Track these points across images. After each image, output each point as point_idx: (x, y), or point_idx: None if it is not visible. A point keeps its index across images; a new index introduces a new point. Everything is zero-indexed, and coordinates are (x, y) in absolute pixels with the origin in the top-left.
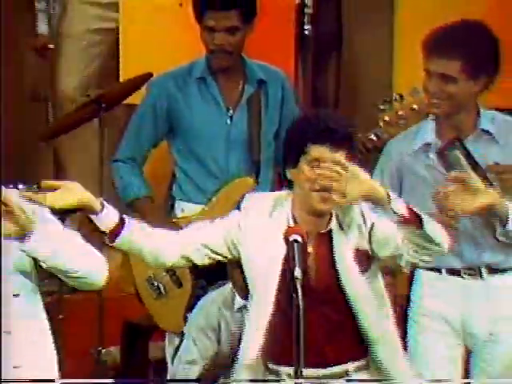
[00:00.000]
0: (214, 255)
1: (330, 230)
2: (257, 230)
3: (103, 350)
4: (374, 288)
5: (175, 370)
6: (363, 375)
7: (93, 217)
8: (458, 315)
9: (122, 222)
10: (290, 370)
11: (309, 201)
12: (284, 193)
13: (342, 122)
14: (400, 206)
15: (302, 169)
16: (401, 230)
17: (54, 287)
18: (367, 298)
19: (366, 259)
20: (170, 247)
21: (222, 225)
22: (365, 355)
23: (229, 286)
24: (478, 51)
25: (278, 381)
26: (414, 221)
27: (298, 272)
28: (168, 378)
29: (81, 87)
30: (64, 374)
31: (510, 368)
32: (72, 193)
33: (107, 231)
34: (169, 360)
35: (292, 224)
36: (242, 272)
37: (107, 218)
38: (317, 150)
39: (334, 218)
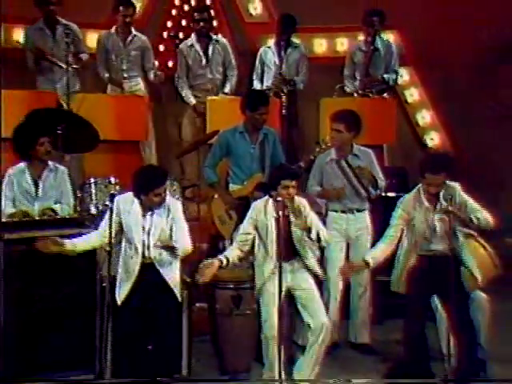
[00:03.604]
0: (250, 236)
1: (288, 214)
2: (262, 213)
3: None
4: (303, 234)
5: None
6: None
7: None
8: (343, 229)
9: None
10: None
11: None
12: (268, 198)
13: (293, 168)
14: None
15: (279, 191)
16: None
17: None
18: (301, 239)
19: (304, 224)
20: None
21: (250, 217)
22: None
23: None
24: (352, 121)
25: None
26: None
27: (274, 227)
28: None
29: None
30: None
31: (364, 248)
32: None
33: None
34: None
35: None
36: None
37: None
38: (286, 182)
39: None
